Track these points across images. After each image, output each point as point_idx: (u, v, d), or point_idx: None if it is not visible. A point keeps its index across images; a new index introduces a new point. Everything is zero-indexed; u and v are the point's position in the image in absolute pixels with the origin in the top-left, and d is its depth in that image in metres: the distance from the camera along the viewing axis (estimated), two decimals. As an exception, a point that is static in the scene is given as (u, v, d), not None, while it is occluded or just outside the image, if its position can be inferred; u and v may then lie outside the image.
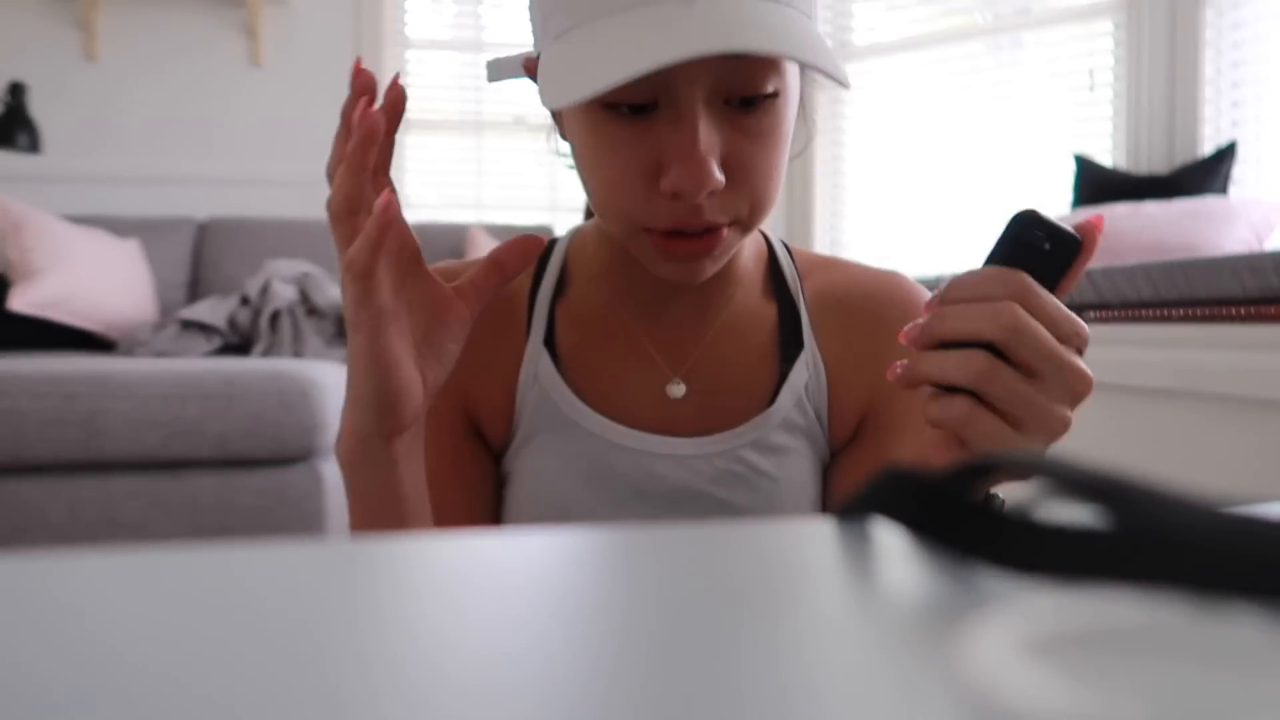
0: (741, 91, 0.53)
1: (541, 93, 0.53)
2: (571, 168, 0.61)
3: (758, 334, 0.66)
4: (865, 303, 0.67)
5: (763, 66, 0.52)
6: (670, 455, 0.63)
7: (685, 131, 0.52)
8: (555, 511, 0.63)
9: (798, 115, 0.60)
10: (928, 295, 0.67)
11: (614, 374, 0.65)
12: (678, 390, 0.64)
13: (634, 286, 0.66)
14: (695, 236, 0.55)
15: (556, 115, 0.62)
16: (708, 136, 0.52)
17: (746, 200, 0.55)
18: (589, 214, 0.75)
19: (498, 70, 0.65)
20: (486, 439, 0.67)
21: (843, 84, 0.51)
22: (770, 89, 0.53)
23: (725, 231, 0.56)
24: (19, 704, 0.14)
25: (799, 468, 0.65)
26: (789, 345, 0.66)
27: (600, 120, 0.54)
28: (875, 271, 0.69)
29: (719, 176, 0.52)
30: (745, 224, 0.57)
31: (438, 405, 0.63)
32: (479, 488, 0.66)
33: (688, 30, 0.47)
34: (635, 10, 0.49)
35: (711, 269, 0.58)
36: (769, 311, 0.67)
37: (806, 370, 0.65)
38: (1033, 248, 0.48)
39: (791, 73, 0.56)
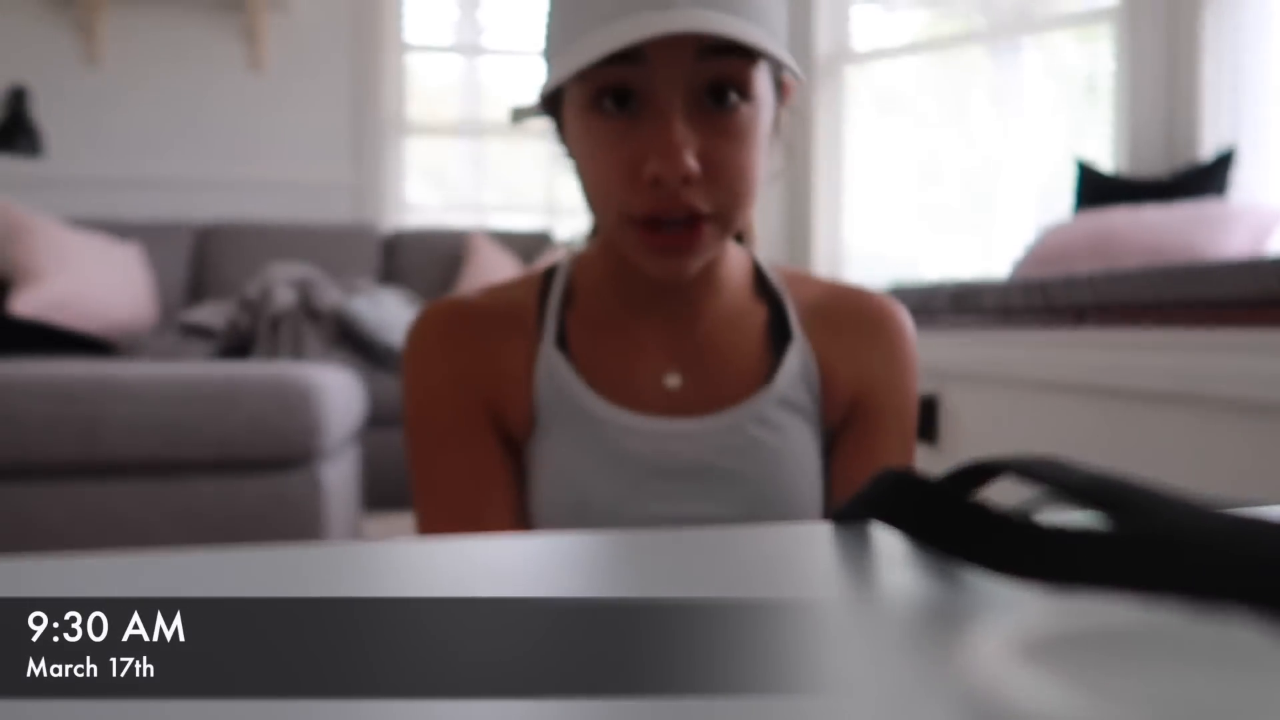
0: (716, 81, 0.60)
1: (539, 90, 0.63)
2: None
3: (748, 330, 0.72)
4: (844, 315, 0.74)
5: (735, 67, 0.60)
6: (679, 434, 0.69)
7: (663, 126, 0.59)
8: (575, 492, 0.68)
9: (773, 135, 0.67)
10: (894, 302, 0.76)
11: (619, 368, 0.71)
12: (673, 381, 0.70)
13: (633, 290, 0.71)
14: (676, 233, 0.61)
15: (563, 136, 0.68)
16: (683, 131, 0.59)
17: (723, 192, 0.61)
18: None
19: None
20: (512, 438, 0.72)
21: (797, 76, 0.62)
22: (741, 89, 0.61)
23: (705, 227, 0.62)
24: (18, 704, 0.14)
25: (799, 441, 0.71)
26: (780, 337, 0.72)
27: (592, 123, 0.62)
28: (847, 286, 0.77)
29: (692, 163, 0.59)
30: (723, 220, 0.63)
31: (471, 418, 0.70)
32: (519, 484, 0.72)
33: (662, 22, 0.56)
34: (621, 19, 0.58)
35: (693, 265, 0.64)
36: (758, 310, 0.74)
37: (799, 357, 0.72)
38: None
39: (763, 84, 0.62)
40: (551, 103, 0.69)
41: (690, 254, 0.63)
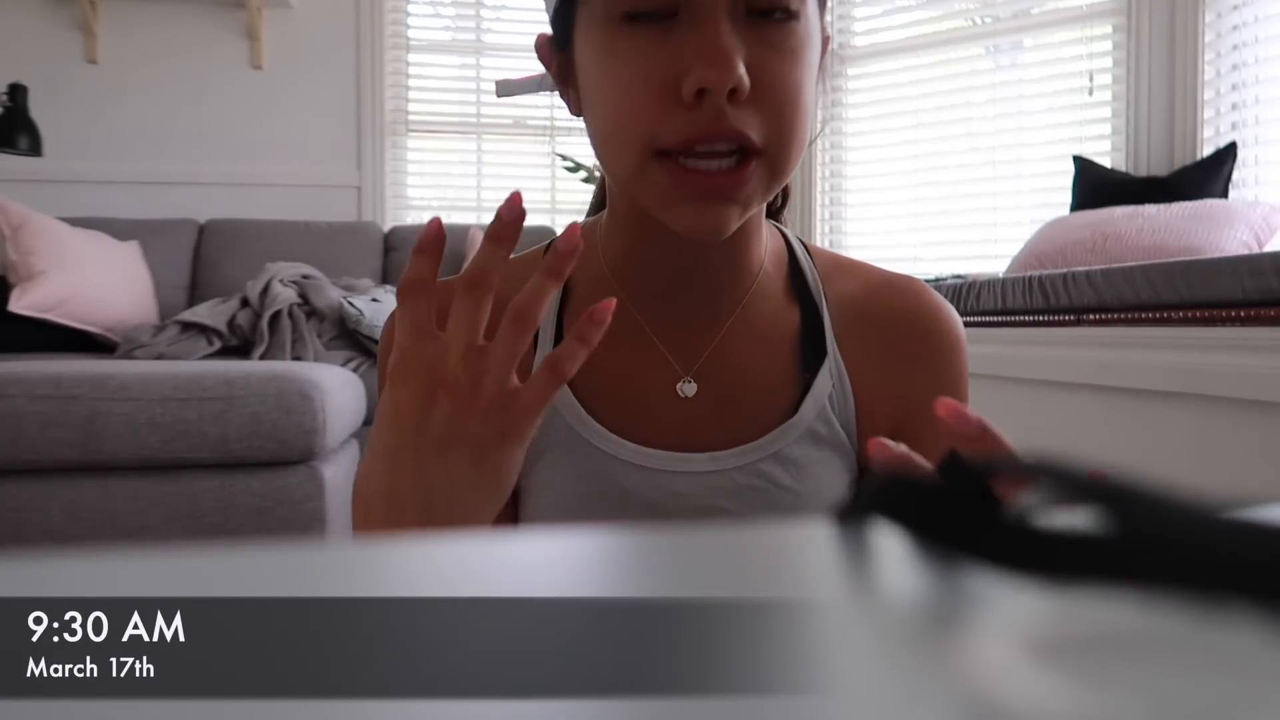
0: (761, 2, 0.52)
1: (550, 6, 0.56)
2: (572, 170, 0.62)
3: (778, 338, 0.64)
4: (887, 320, 0.65)
5: None
6: (685, 472, 0.61)
7: (707, 30, 0.50)
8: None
9: (819, 79, 0.57)
10: (945, 303, 0.66)
11: (625, 379, 0.62)
12: (688, 389, 0.62)
13: (646, 278, 0.63)
14: (718, 172, 0.52)
15: (566, 62, 0.59)
16: (730, 37, 0.50)
17: (775, 120, 0.52)
18: (594, 209, 0.72)
19: (506, 88, 0.66)
20: None
21: None
22: (789, 7, 0.52)
23: (753, 167, 0.53)
24: (17, 704, 0.14)
25: (823, 479, 0.62)
26: (811, 352, 0.63)
27: (618, 35, 0.52)
28: (894, 280, 0.67)
29: (743, 73, 0.50)
30: (773, 160, 0.53)
31: None
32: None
33: None
34: None
35: (733, 219, 0.54)
36: (791, 315, 0.64)
37: (830, 379, 0.63)
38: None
39: (811, 10, 0.54)
40: (557, 43, 0.60)
41: (732, 202, 0.53)
